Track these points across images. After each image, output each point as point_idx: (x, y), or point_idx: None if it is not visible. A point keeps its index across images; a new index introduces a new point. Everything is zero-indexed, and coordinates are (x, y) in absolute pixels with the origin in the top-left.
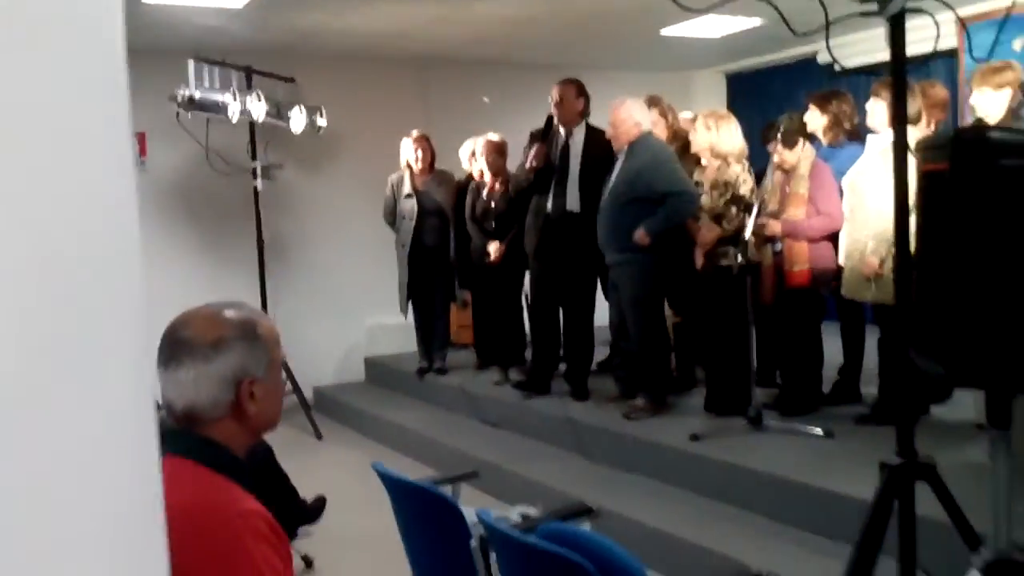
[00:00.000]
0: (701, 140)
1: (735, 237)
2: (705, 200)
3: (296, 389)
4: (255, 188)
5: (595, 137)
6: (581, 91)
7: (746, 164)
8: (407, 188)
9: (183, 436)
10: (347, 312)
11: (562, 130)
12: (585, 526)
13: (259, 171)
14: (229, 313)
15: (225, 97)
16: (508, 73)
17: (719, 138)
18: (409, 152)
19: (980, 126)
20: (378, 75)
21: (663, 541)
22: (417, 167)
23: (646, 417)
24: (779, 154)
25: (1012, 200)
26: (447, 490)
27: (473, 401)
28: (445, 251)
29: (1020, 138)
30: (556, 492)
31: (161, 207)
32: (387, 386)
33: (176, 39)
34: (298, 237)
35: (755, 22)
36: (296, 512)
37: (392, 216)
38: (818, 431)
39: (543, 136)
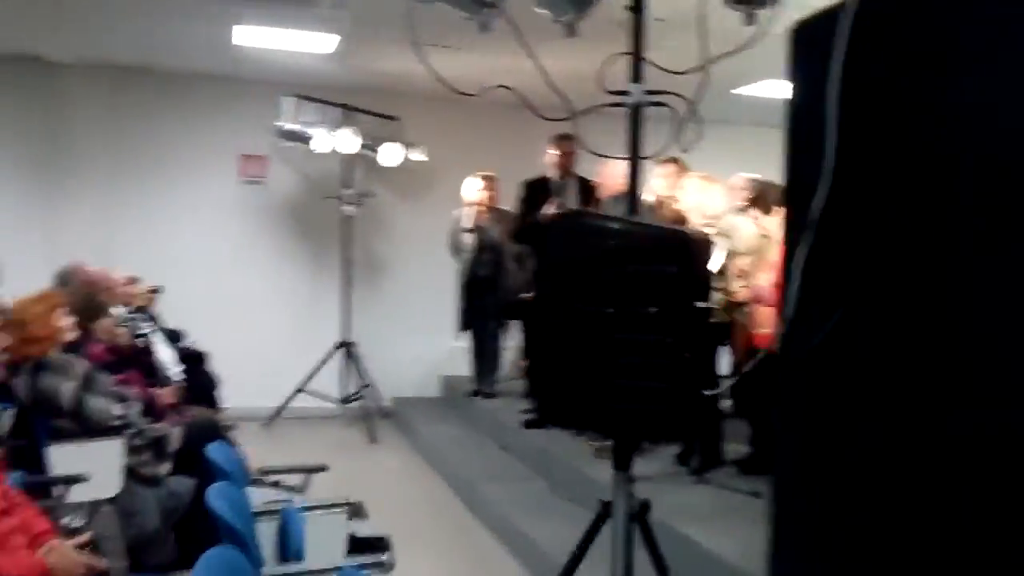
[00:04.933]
0: (689, 200)
1: None
2: None
3: (361, 395)
4: (344, 213)
5: (586, 186)
6: (576, 145)
7: (727, 226)
8: (468, 223)
9: None
10: (430, 332)
11: (556, 180)
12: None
13: (349, 198)
14: None
15: (316, 131)
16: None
17: (706, 200)
18: (475, 190)
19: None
20: (476, 116)
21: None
22: (482, 205)
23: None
24: (756, 219)
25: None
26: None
27: (494, 425)
28: (496, 283)
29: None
30: (496, 512)
31: (276, 222)
32: (451, 404)
33: (288, 73)
34: (388, 259)
35: None
36: None
37: (455, 248)
38: (745, 488)
39: (543, 188)
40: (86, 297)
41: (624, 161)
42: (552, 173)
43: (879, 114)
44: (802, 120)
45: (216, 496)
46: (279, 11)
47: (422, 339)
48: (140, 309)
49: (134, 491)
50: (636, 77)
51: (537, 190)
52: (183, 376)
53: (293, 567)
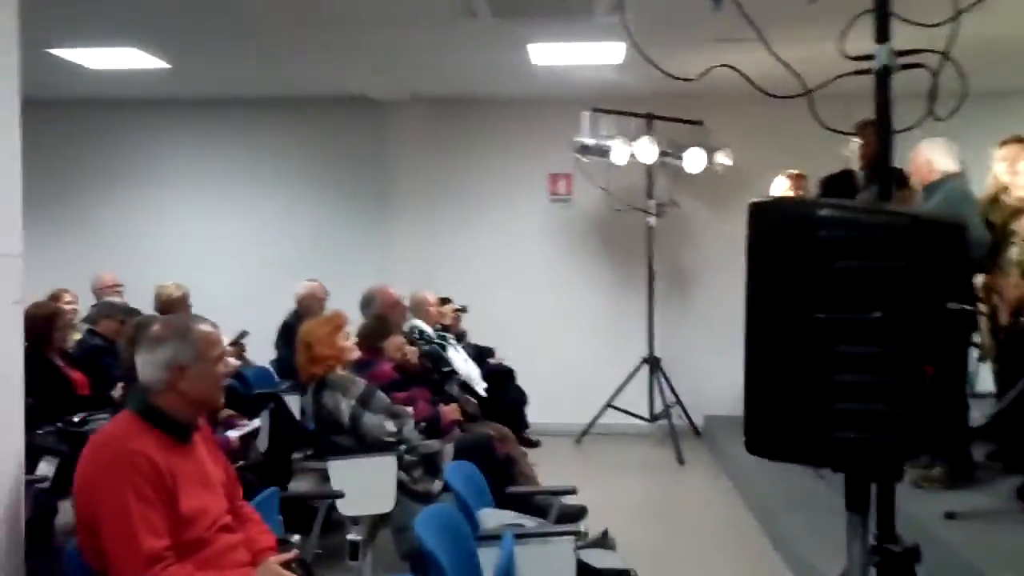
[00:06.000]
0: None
1: None
2: (1015, 252)
3: (668, 413)
4: (648, 224)
5: (895, 177)
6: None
7: None
8: None
9: (135, 397)
10: (742, 347)
11: (861, 172)
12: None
13: (653, 209)
14: (172, 319)
15: (614, 143)
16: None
17: None
18: (782, 191)
19: None
20: (783, 113)
21: None
22: None
23: (938, 488)
24: None
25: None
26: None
27: None
28: None
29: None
30: (798, 546)
31: (581, 237)
32: None
33: (588, 88)
34: (694, 270)
35: None
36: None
37: None
38: None
39: (846, 182)
40: (377, 318)
41: (938, 145)
42: (856, 165)
43: None
44: None
45: (424, 518)
46: (562, 25)
47: (734, 354)
48: (447, 328)
49: (406, 507)
50: (882, 37)
51: (840, 185)
52: (487, 393)
53: None
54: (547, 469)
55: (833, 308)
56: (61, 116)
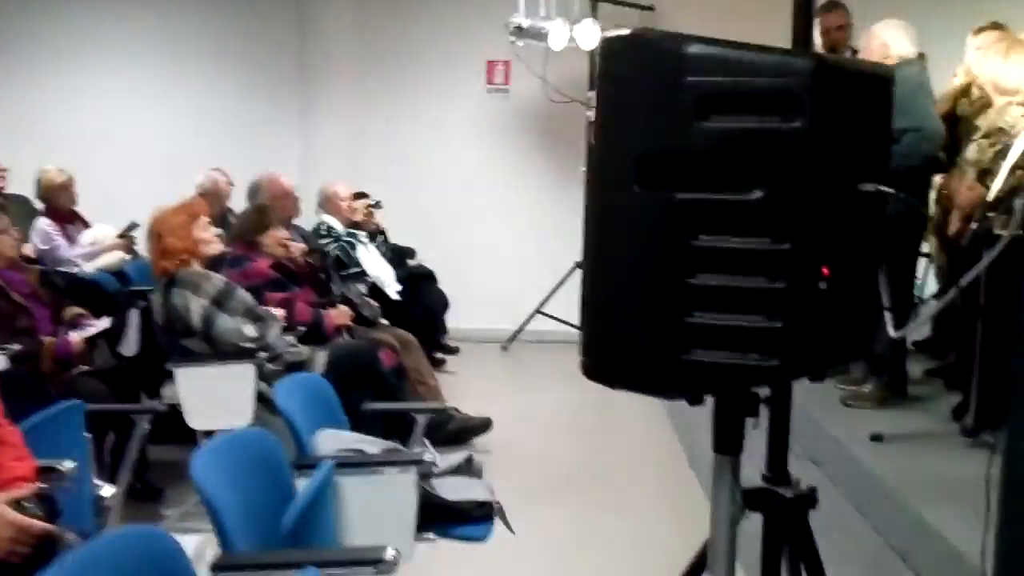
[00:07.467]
0: (985, 70)
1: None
2: (972, 150)
3: None
4: (588, 118)
5: None
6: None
7: None
8: None
9: None
10: None
11: None
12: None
13: (593, 101)
14: None
15: (551, 25)
16: None
17: (1007, 70)
18: None
19: None
20: (741, 4)
21: None
22: None
23: (867, 407)
24: None
25: None
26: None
27: None
28: None
29: None
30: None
31: (518, 132)
32: None
33: None
34: None
35: None
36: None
37: None
38: None
39: None
40: (256, 209)
41: (894, 26)
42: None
43: None
44: None
45: (206, 451)
46: None
47: None
48: (358, 225)
49: (268, 422)
50: None
51: None
52: (403, 296)
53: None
54: (466, 377)
55: (698, 185)
56: None
